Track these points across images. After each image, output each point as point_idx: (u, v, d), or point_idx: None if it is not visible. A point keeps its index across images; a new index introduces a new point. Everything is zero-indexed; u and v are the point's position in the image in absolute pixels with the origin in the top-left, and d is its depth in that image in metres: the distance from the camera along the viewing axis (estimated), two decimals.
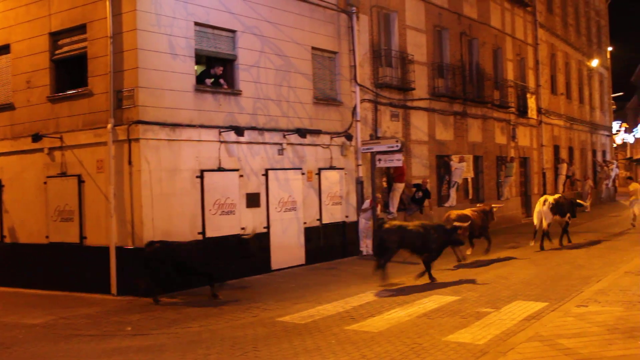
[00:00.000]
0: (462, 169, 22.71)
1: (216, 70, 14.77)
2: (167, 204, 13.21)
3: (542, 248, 17.96)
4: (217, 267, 12.27)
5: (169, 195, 13.25)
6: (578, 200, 21.06)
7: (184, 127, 13.58)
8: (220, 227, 14.23)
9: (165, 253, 11.96)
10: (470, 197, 24.47)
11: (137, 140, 12.81)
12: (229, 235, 14.00)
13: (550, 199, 18.56)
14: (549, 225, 18.26)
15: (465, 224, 15.67)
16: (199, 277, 12.50)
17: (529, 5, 30.46)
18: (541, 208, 18.26)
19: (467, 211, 16.98)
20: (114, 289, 13.08)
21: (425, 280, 13.56)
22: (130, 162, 12.93)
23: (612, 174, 40.39)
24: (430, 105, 22.05)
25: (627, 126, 62.14)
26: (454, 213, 16.55)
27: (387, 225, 13.41)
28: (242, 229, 14.66)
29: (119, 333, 10.06)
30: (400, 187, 19.44)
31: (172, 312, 11.48)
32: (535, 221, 18.44)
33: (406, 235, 13.18)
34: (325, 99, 17.54)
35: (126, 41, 12.96)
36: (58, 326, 10.75)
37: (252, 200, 15.08)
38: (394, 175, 19.39)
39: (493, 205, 18.00)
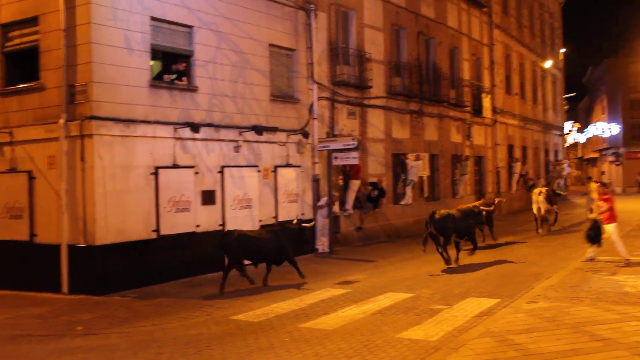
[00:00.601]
0: (418, 167, 22.91)
1: (178, 67, 14.62)
2: (121, 201, 13.02)
3: (542, 231, 21.78)
4: (286, 253, 13.43)
5: (122, 192, 13.06)
6: (557, 191, 25.27)
7: (138, 123, 13.39)
8: (175, 224, 14.10)
9: (242, 241, 12.70)
10: (425, 195, 24.71)
11: (90, 136, 12.59)
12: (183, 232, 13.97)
13: (543, 190, 22.23)
14: (546, 211, 21.85)
15: (491, 208, 18.18)
16: (271, 261, 13.40)
17: (485, 6, 30.88)
18: (538, 199, 21.67)
19: (476, 203, 18.45)
20: (65, 288, 12.84)
21: (380, 277, 13.72)
22: (83, 159, 12.70)
23: (564, 173, 41.32)
24: (387, 103, 22.18)
25: (579, 126, 63.63)
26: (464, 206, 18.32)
27: (437, 216, 14.65)
28: (197, 226, 14.57)
29: (69, 333, 9.88)
30: (356, 184, 19.54)
31: (125, 310, 11.33)
32: (535, 211, 21.83)
33: (456, 221, 14.97)
34: (282, 96, 17.50)
35: (80, 35, 12.72)
36: (5, 326, 10.50)
37: (208, 197, 14.97)
38: (350, 172, 19.47)
39: (497, 199, 20.85)
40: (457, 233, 15.20)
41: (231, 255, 12.82)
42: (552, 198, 22.29)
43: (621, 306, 10.08)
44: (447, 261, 14.69)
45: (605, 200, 14.64)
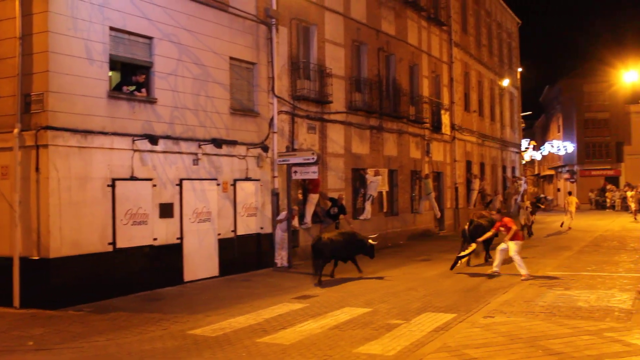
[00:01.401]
0: (377, 183, 23.01)
1: (137, 78, 14.47)
2: (76, 213, 12.79)
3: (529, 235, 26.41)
4: (355, 255, 16.26)
5: (78, 204, 12.83)
6: (538, 204, 30.41)
7: (96, 134, 13.20)
8: (132, 237, 13.90)
9: (330, 245, 15.33)
10: (385, 210, 24.84)
11: (45, 146, 12.36)
12: (142, 246, 13.89)
13: (528, 203, 28.01)
14: (531, 221, 27.63)
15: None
16: (345, 260, 16.36)
17: (444, 24, 31.35)
18: (526, 211, 26.96)
19: (485, 213, 21.41)
20: (16, 302, 12.50)
21: (338, 291, 13.78)
22: (37, 169, 12.45)
23: (521, 190, 42.00)
24: (347, 118, 22.30)
25: (535, 144, 64.90)
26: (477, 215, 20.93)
27: (473, 226, 17.71)
28: (155, 239, 14.40)
29: (19, 348, 9.61)
30: (314, 198, 19.52)
31: (79, 325, 11.09)
32: (522, 221, 26.29)
33: (485, 229, 17.44)
34: (243, 109, 17.46)
35: (37, 43, 12.50)
36: None
37: (166, 210, 14.80)
38: (309, 186, 19.46)
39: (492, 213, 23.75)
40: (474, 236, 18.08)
41: (324, 256, 15.37)
42: (534, 209, 28.59)
43: (574, 320, 10.27)
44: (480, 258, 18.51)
45: (503, 226, 15.75)
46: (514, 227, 15.52)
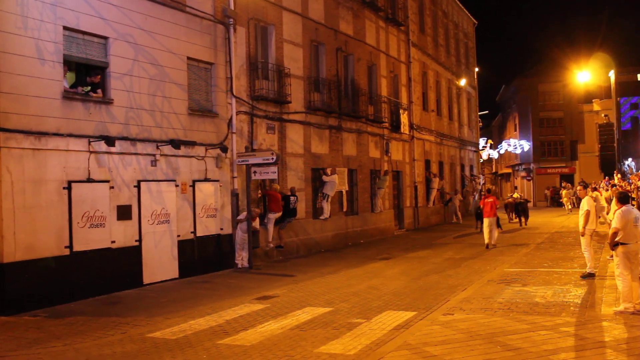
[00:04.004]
0: (334, 182, 22.95)
1: (93, 79, 14.23)
2: (31, 216, 12.53)
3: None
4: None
5: (33, 208, 12.57)
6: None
7: (50, 135, 12.94)
8: (89, 240, 13.67)
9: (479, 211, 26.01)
10: (345, 209, 24.90)
11: None
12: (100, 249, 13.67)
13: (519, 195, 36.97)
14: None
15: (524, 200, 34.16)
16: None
17: (402, 24, 31.58)
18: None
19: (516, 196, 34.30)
20: None
21: (299, 291, 13.74)
22: None
23: (479, 188, 42.59)
24: (306, 118, 22.29)
25: (492, 142, 65.79)
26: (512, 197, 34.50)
27: (517, 200, 32.42)
28: (112, 242, 14.19)
29: None
30: (275, 215, 19.36)
31: (35, 331, 10.85)
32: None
33: (521, 204, 31.78)
34: (201, 110, 17.32)
35: None
36: None
37: (123, 212, 14.59)
38: (270, 204, 19.22)
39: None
40: (523, 211, 31.89)
41: (479, 217, 25.86)
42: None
43: (531, 316, 10.44)
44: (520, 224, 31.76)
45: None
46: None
